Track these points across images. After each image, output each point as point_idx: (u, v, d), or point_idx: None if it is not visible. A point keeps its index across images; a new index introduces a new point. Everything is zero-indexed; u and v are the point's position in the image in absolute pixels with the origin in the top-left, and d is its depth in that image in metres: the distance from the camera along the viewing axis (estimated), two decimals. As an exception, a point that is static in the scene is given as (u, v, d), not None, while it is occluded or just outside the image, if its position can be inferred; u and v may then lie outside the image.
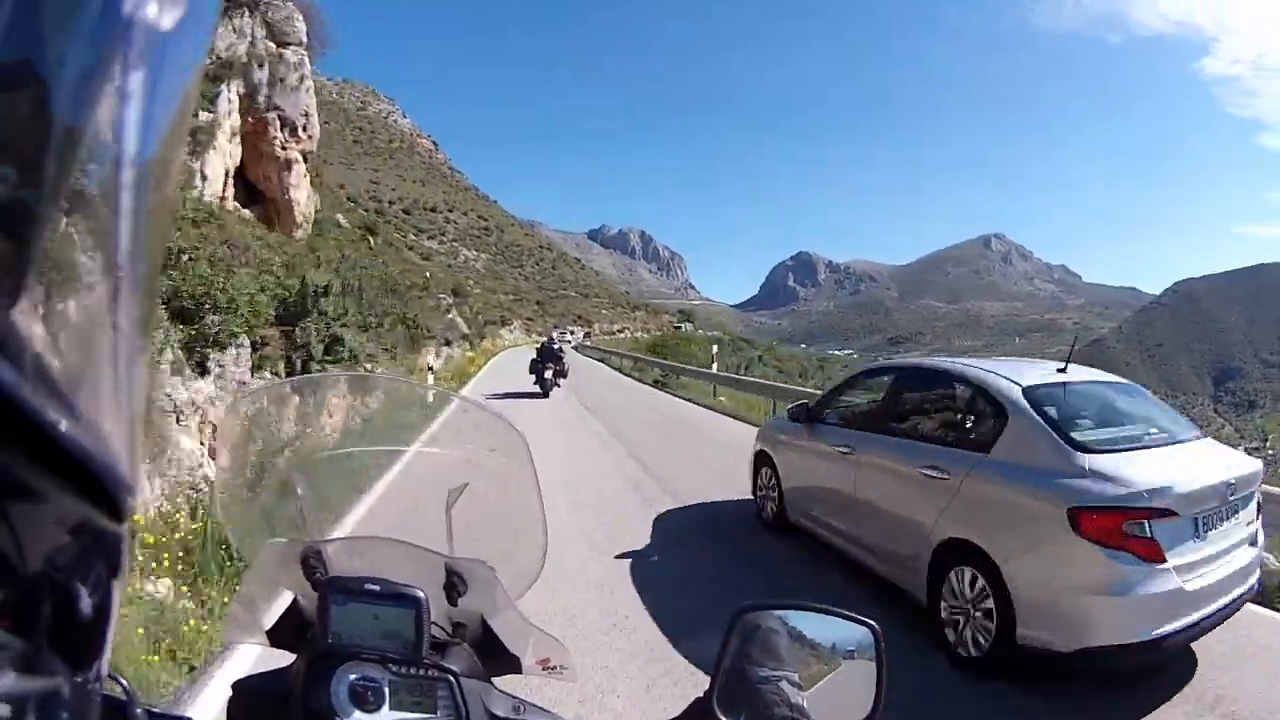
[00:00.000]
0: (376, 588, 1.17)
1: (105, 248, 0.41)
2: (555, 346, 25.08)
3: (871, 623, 1.27)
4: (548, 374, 23.69)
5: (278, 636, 1.29)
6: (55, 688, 0.41)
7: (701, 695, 1.17)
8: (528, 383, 23.77)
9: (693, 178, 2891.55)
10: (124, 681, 0.90)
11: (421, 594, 1.17)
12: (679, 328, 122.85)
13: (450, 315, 44.15)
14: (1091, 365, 6.57)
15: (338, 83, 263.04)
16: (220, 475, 1.33)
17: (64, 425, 0.38)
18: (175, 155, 0.47)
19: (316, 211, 34.00)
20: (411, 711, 1.17)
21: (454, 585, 1.22)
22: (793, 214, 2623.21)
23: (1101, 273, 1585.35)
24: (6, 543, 0.38)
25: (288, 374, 12.62)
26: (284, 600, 1.29)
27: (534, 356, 24.66)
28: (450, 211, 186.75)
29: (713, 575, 6.45)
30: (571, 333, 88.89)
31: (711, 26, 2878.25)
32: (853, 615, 1.30)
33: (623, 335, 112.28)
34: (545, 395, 23.14)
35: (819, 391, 11.35)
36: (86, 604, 0.45)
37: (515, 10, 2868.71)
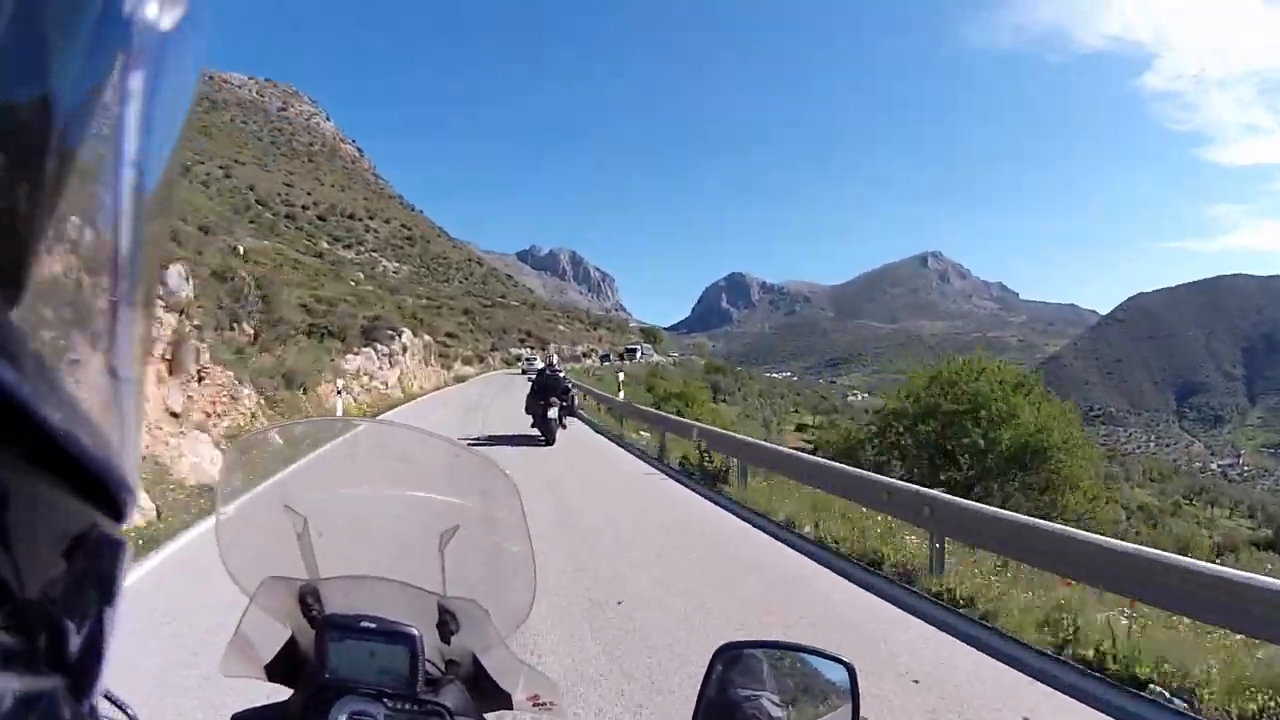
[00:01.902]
0: (372, 625, 1.21)
1: (105, 248, 0.41)
2: (558, 372, 19.47)
3: (847, 660, 1.34)
4: (551, 413, 18.12)
5: (275, 671, 1.32)
6: (53, 688, 0.41)
7: None
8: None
9: (623, 197, 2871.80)
10: (130, 710, 0.92)
11: (416, 631, 1.21)
12: (632, 350, 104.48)
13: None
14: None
15: (258, 82, 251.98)
16: (220, 514, 1.40)
17: (64, 425, 0.37)
18: (174, 155, 0.47)
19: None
20: None
21: (447, 624, 1.25)
22: (725, 234, 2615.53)
23: (1039, 290, 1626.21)
24: (6, 543, 0.37)
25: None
26: (282, 636, 1.32)
27: (530, 389, 19.39)
28: (371, 219, 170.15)
29: None
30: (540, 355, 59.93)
31: (643, 49, 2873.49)
32: (828, 653, 1.38)
33: (589, 361, 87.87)
34: (549, 442, 17.98)
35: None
36: (87, 606, 0.45)
37: (450, 30, 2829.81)
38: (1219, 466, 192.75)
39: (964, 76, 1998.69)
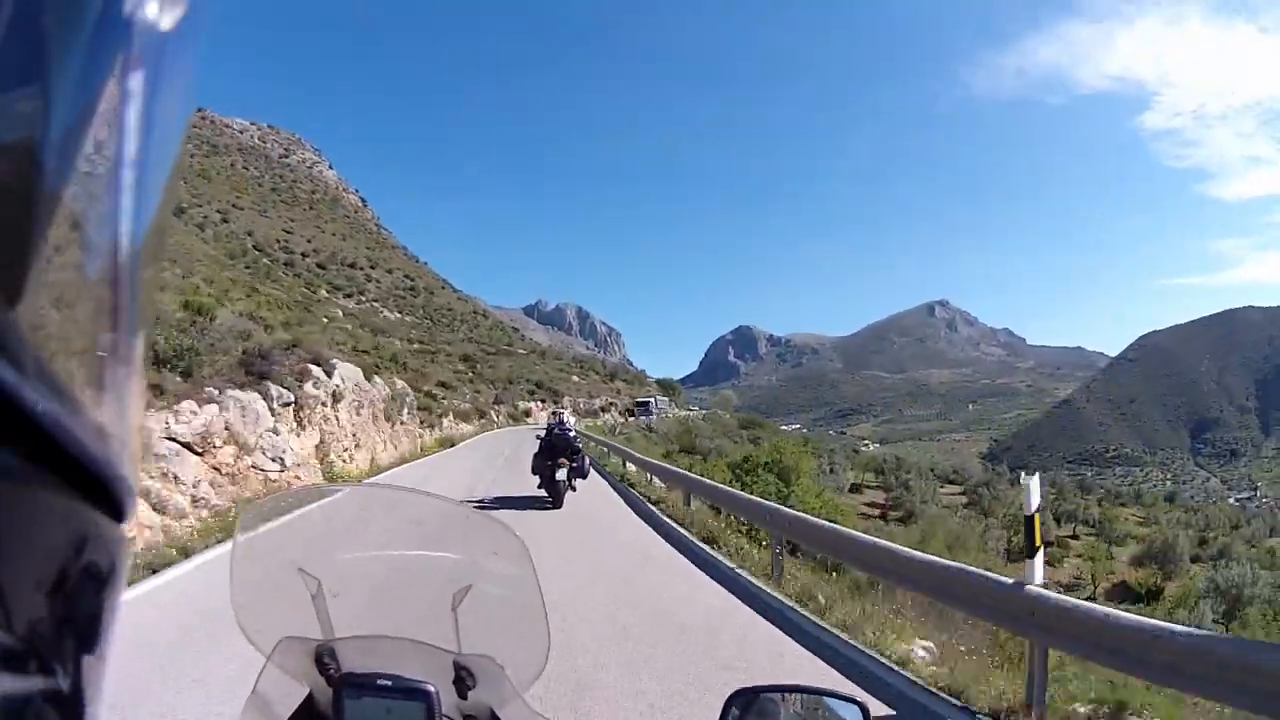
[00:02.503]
0: (389, 683, 1.23)
1: (105, 247, 0.41)
2: (568, 431, 17.67)
3: (860, 701, 1.35)
4: (560, 474, 16.65)
5: None
6: (53, 689, 0.41)
7: None
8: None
9: (629, 254, 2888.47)
10: None
11: (432, 688, 1.22)
12: (644, 403, 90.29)
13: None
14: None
15: (260, 128, 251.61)
16: (237, 576, 1.40)
17: (64, 425, 0.37)
18: (174, 155, 0.47)
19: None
20: None
21: (463, 680, 1.27)
22: (731, 288, 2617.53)
23: (1045, 334, 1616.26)
24: (6, 543, 0.37)
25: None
26: (299, 695, 1.34)
27: (538, 447, 17.67)
28: (373, 269, 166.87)
29: None
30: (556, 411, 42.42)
31: (646, 102, 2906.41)
32: (840, 694, 1.41)
33: (607, 416, 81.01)
34: (556, 505, 16.54)
35: None
36: (87, 606, 0.45)
37: (452, 84, 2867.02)
38: (1236, 500, 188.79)
39: (967, 124, 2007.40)
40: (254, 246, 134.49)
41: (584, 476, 18.23)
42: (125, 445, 0.44)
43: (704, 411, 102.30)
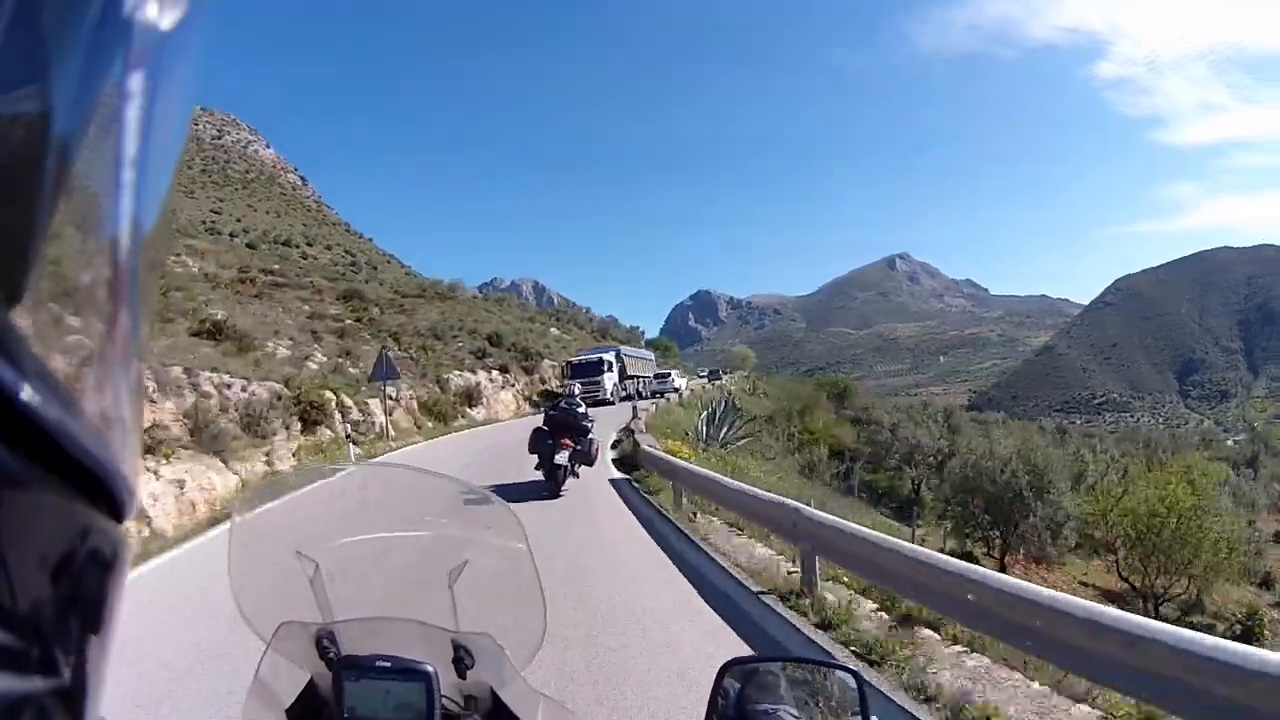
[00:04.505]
0: (388, 664, 1.22)
1: (105, 247, 0.41)
2: (577, 407, 15.35)
3: (853, 668, 1.37)
4: (560, 457, 14.45)
5: (295, 714, 1.33)
6: (53, 689, 0.40)
7: None
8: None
9: (584, 226, 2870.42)
10: None
11: (431, 669, 1.22)
12: (664, 375, 60.92)
13: None
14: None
15: (193, 111, 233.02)
16: (236, 561, 1.41)
17: (64, 425, 0.37)
18: (174, 155, 0.47)
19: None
20: None
21: (462, 659, 1.27)
22: (689, 254, 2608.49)
23: (1007, 284, 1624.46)
24: (6, 543, 0.37)
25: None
26: (300, 679, 1.34)
27: (538, 425, 15.36)
28: (310, 245, 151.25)
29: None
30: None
31: (596, 74, 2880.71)
32: (835, 662, 1.46)
33: (699, 382, 64.15)
34: (553, 494, 14.26)
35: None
36: (87, 602, 0.45)
37: (401, 61, 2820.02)
38: (1234, 442, 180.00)
39: (919, 80, 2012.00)
40: (176, 230, 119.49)
41: (590, 463, 15.52)
42: (125, 445, 0.44)
43: (735, 380, 74.05)
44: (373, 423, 25.95)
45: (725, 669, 1.36)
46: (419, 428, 29.91)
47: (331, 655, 1.28)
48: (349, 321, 40.59)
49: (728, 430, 25.30)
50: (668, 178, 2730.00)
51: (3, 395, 0.34)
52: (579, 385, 33.13)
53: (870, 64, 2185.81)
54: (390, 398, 27.66)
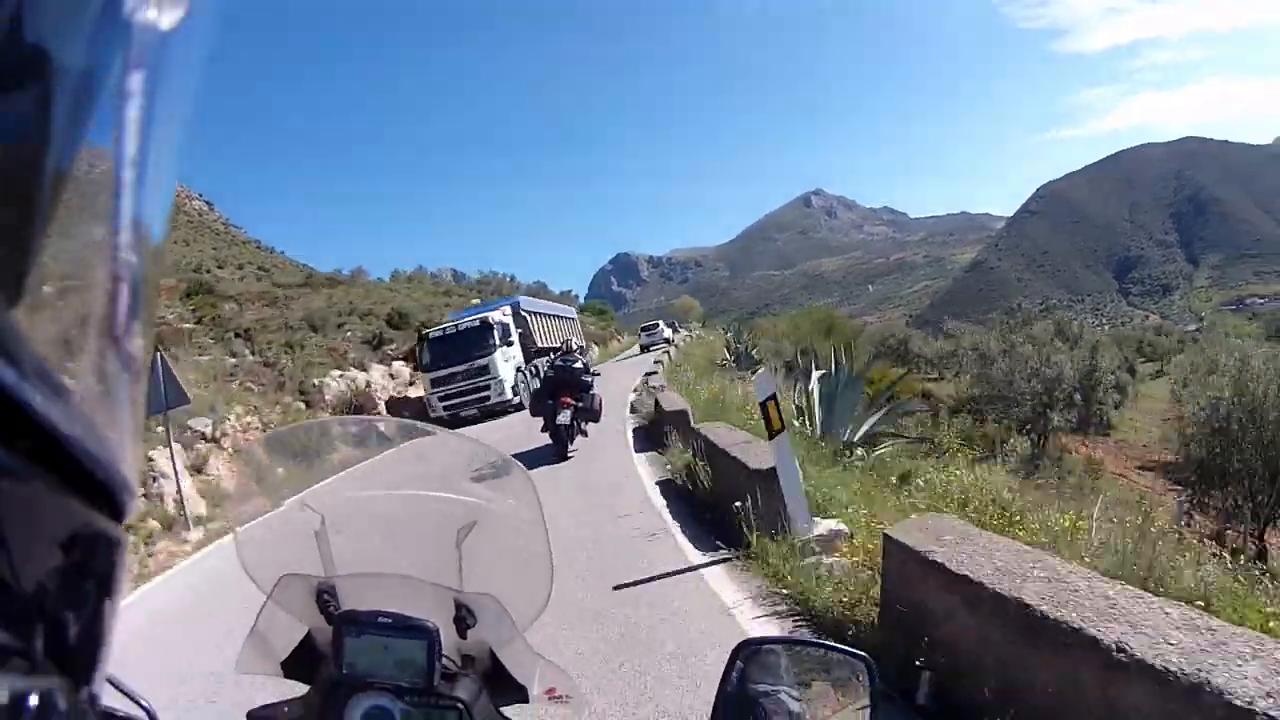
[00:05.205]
0: (389, 620, 1.21)
1: (106, 247, 0.41)
2: (574, 363, 14.08)
3: (866, 655, 1.36)
4: (563, 417, 13.22)
5: (291, 668, 1.32)
6: (52, 689, 0.40)
7: None
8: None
9: (499, 206, 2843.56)
10: (145, 703, 0.92)
11: (433, 625, 1.21)
12: (652, 326, 57.99)
13: None
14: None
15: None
16: (237, 510, 1.41)
17: (64, 425, 0.37)
18: (174, 154, 0.46)
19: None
20: None
21: (463, 618, 1.26)
22: (604, 219, 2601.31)
23: (926, 206, 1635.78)
24: (6, 543, 0.37)
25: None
26: (298, 633, 1.33)
27: (537, 385, 15.48)
28: (221, 268, 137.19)
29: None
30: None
31: (472, 45, 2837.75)
32: (847, 649, 1.41)
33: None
34: (564, 457, 13.12)
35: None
36: (86, 604, 0.45)
37: (269, 64, 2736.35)
38: (1188, 332, 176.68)
39: (811, 10, 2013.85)
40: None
41: (596, 419, 14.08)
42: (124, 445, 0.44)
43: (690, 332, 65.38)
44: (161, 495, 13.55)
45: (740, 649, 1.35)
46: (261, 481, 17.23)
47: (332, 609, 1.27)
48: (187, 325, 27.88)
49: (878, 418, 13.05)
50: (574, 149, 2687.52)
51: (3, 395, 0.33)
52: (435, 391, 23.72)
53: (759, 4, 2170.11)
54: (204, 437, 15.65)
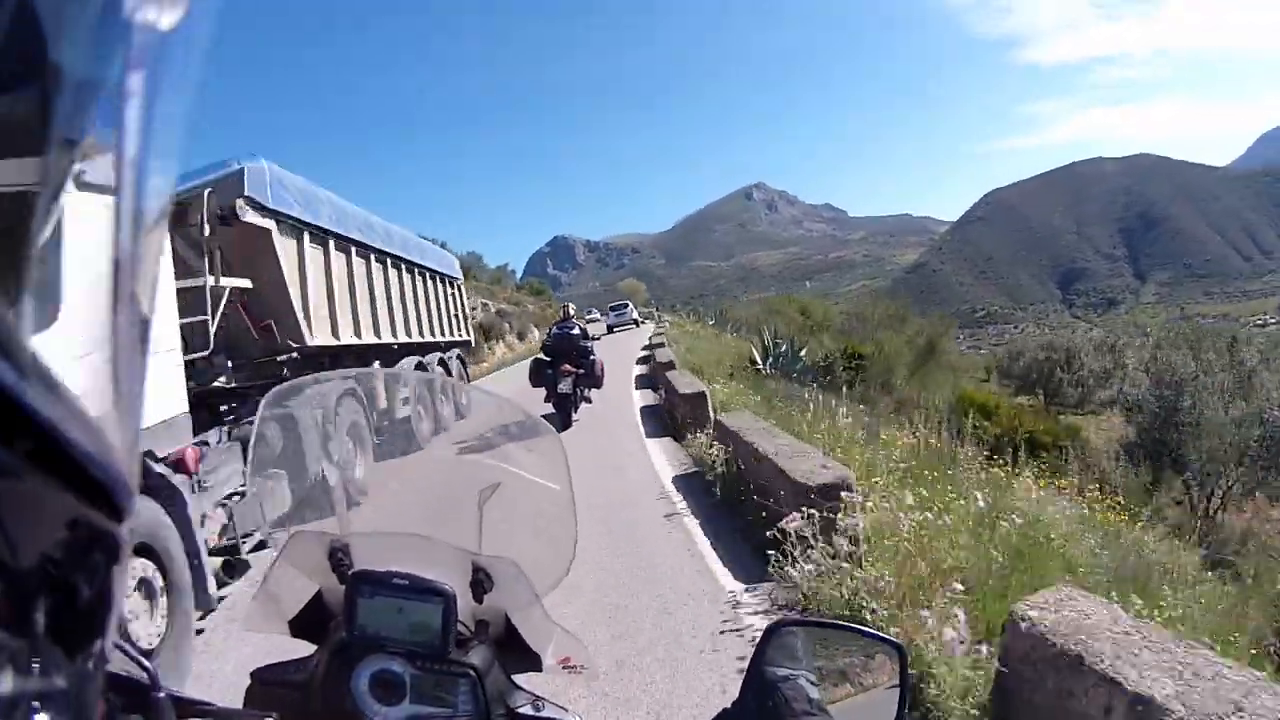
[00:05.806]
0: (405, 582, 1.17)
1: (105, 247, 0.41)
2: (571, 330, 13.63)
3: (897, 641, 1.33)
4: (565, 385, 12.72)
5: (300, 627, 1.29)
6: (53, 688, 0.40)
7: (729, 707, 1.19)
8: None
9: (433, 168, 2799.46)
10: (148, 664, 0.91)
11: (450, 589, 1.17)
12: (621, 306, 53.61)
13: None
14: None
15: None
16: (256, 465, 1.32)
17: (64, 425, 0.37)
18: (174, 155, 0.46)
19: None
20: (431, 705, 1.16)
21: (480, 582, 1.21)
22: (541, 201, 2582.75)
23: (867, 205, 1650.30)
24: (5, 543, 0.37)
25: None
26: (308, 591, 1.29)
27: (540, 354, 13.87)
28: None
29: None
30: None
31: (423, 24, 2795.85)
32: (878, 634, 1.39)
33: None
34: (565, 425, 12.45)
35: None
36: (85, 605, 0.45)
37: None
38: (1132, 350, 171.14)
39: (765, 6, 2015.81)
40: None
41: (598, 385, 13.83)
42: (124, 445, 0.44)
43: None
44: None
45: (770, 631, 1.31)
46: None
47: (345, 568, 1.22)
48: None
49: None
50: (515, 128, 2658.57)
51: (2, 395, 0.33)
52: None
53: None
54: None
